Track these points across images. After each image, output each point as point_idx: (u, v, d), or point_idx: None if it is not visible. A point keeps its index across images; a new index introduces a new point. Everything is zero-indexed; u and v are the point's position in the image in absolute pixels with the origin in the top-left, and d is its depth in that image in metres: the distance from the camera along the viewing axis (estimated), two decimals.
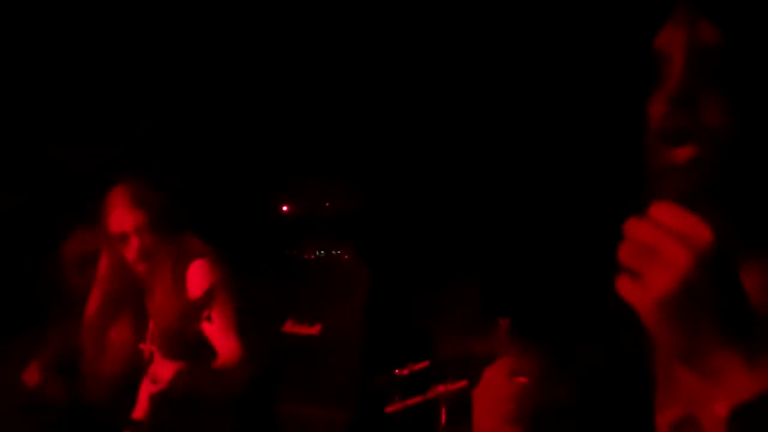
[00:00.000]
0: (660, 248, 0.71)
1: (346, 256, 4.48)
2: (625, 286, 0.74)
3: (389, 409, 2.56)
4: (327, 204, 4.78)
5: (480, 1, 3.41)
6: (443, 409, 2.50)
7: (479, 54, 3.55)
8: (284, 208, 4.61)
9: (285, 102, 4.21)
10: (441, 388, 2.53)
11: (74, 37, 3.62)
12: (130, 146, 4.16)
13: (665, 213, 0.73)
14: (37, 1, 3.46)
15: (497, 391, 0.91)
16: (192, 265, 2.49)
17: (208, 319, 2.41)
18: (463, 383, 2.43)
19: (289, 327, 4.37)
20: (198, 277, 2.46)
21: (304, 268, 4.54)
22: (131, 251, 2.50)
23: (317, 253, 4.53)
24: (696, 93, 0.75)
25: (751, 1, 0.77)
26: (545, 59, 3.35)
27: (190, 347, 2.44)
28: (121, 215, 2.54)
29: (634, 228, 0.74)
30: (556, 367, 0.93)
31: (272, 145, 4.20)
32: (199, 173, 4.16)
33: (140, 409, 2.57)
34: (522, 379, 0.91)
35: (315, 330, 4.43)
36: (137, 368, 2.48)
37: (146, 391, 2.51)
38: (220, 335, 2.40)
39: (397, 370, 2.72)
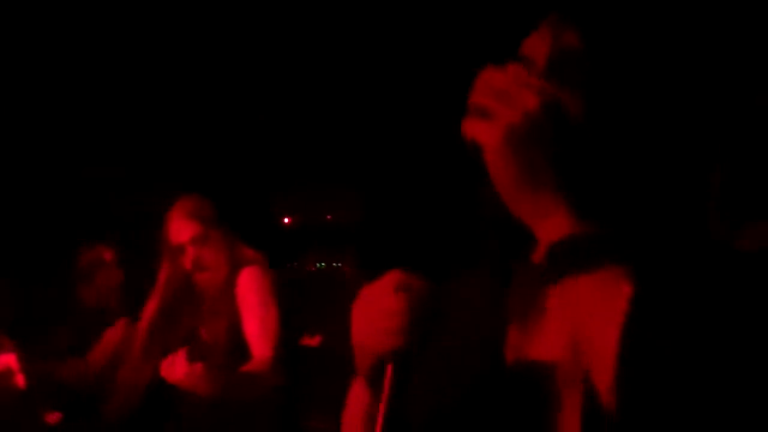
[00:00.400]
0: (512, 92, 0.79)
1: (347, 268, 4.49)
2: (473, 125, 0.80)
3: None
4: (328, 216, 4.80)
5: (476, 15, 3.44)
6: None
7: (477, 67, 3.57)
8: (286, 220, 4.64)
9: (287, 114, 4.23)
10: None
11: (93, 55, 3.67)
12: (136, 159, 4.19)
13: (520, 68, 0.82)
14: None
15: (379, 305, 0.91)
16: (242, 272, 2.54)
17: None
18: None
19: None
20: (247, 284, 2.53)
21: (305, 280, 4.55)
22: (188, 261, 2.60)
23: (318, 264, 4.55)
24: (554, 89, 0.83)
25: (611, 15, 0.88)
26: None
27: (236, 352, 2.47)
28: (179, 227, 2.65)
29: (490, 74, 0.81)
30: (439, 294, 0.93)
31: (274, 158, 4.23)
32: (201, 184, 4.18)
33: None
34: (407, 294, 0.90)
35: (315, 342, 4.43)
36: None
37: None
38: (259, 340, 2.44)
39: None
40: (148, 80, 3.92)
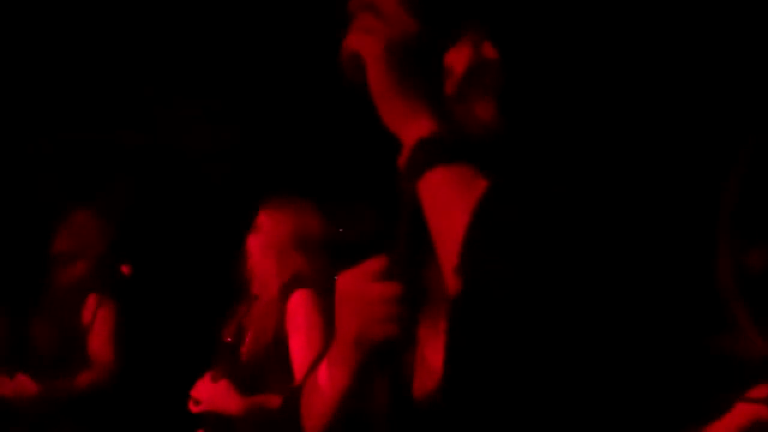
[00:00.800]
0: (388, 11, 0.91)
1: None
2: (356, 39, 0.92)
3: None
4: (341, 230, 4.77)
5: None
6: None
7: None
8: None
9: (298, 126, 4.23)
10: None
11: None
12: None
13: None
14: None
15: (370, 293, 0.93)
16: (294, 294, 2.49)
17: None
18: None
19: None
20: (297, 306, 2.47)
21: None
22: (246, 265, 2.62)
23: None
24: (470, 95, 0.93)
25: (522, 32, 0.96)
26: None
27: (278, 372, 2.45)
28: (249, 235, 2.66)
29: None
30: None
31: (286, 171, 4.24)
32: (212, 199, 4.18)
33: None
34: (397, 281, 0.92)
35: None
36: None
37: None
38: (301, 364, 2.39)
39: None
40: (159, 94, 3.95)
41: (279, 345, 2.45)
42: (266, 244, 2.61)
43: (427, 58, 0.92)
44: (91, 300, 3.09)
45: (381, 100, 0.92)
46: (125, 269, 3.21)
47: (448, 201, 0.84)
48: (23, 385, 2.90)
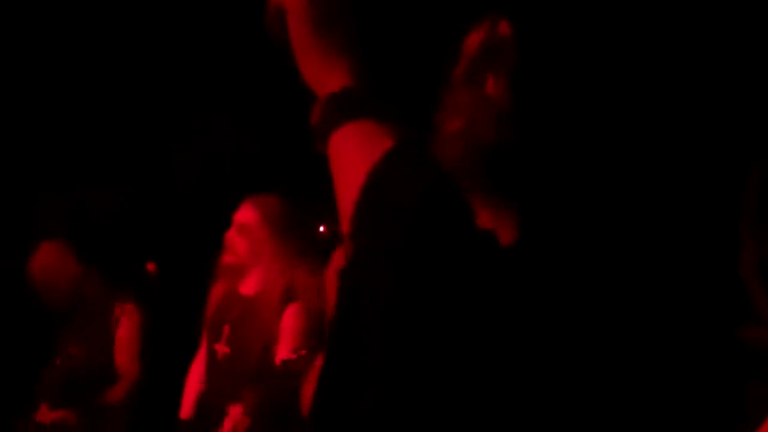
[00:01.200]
0: None
1: None
2: None
3: None
4: (322, 227, 4.81)
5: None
6: None
7: None
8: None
9: (294, 127, 4.29)
10: None
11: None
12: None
13: None
14: None
15: None
16: (289, 307, 2.35)
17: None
18: None
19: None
20: (289, 322, 2.33)
21: None
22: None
23: None
24: (483, 74, 0.84)
25: (540, 10, 0.92)
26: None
27: (256, 376, 2.36)
28: (232, 232, 2.47)
29: None
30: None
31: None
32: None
33: (186, 410, 2.54)
34: None
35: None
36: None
37: (192, 391, 2.50)
38: (283, 378, 2.34)
39: None
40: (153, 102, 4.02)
41: (263, 351, 2.35)
42: (255, 244, 2.43)
43: (350, 14, 0.90)
44: (117, 310, 2.96)
45: (301, 54, 0.91)
46: (151, 267, 3.17)
47: (351, 161, 0.83)
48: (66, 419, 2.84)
